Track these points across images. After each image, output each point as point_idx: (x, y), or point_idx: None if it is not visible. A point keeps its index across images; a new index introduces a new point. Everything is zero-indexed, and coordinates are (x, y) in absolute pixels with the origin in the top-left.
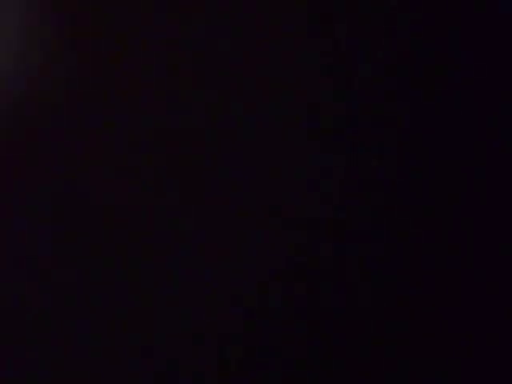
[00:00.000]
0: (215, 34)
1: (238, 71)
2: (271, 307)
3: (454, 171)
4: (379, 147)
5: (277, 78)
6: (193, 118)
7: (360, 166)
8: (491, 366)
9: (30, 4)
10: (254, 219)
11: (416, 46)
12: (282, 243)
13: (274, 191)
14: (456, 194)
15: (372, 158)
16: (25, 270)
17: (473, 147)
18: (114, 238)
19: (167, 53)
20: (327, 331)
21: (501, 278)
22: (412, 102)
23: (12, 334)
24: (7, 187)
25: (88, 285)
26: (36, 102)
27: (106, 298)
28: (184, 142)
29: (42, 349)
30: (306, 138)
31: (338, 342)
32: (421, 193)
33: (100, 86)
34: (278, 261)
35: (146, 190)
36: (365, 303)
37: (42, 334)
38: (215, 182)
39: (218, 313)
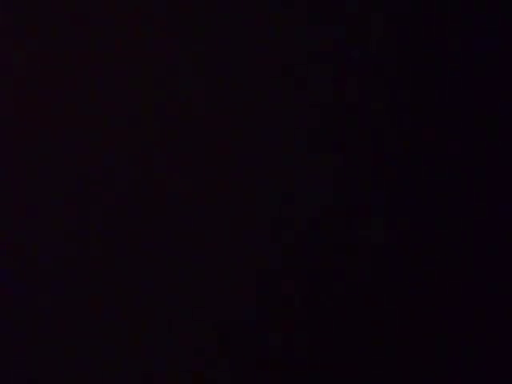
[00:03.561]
0: (214, 32)
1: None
2: (271, 307)
3: (454, 171)
4: (378, 146)
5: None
6: (194, 116)
7: (359, 166)
8: (491, 366)
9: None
10: (254, 219)
11: (415, 46)
12: (281, 243)
13: (273, 190)
14: (455, 194)
15: (371, 157)
16: (24, 270)
17: (473, 147)
18: (114, 237)
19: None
20: (327, 332)
21: (501, 278)
22: (411, 102)
23: (11, 333)
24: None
25: (87, 284)
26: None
27: (105, 297)
28: (185, 140)
29: (42, 348)
30: (306, 137)
31: (338, 343)
32: (420, 192)
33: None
34: (278, 261)
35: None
36: (364, 304)
37: (41, 333)
38: (215, 180)
39: (218, 313)
